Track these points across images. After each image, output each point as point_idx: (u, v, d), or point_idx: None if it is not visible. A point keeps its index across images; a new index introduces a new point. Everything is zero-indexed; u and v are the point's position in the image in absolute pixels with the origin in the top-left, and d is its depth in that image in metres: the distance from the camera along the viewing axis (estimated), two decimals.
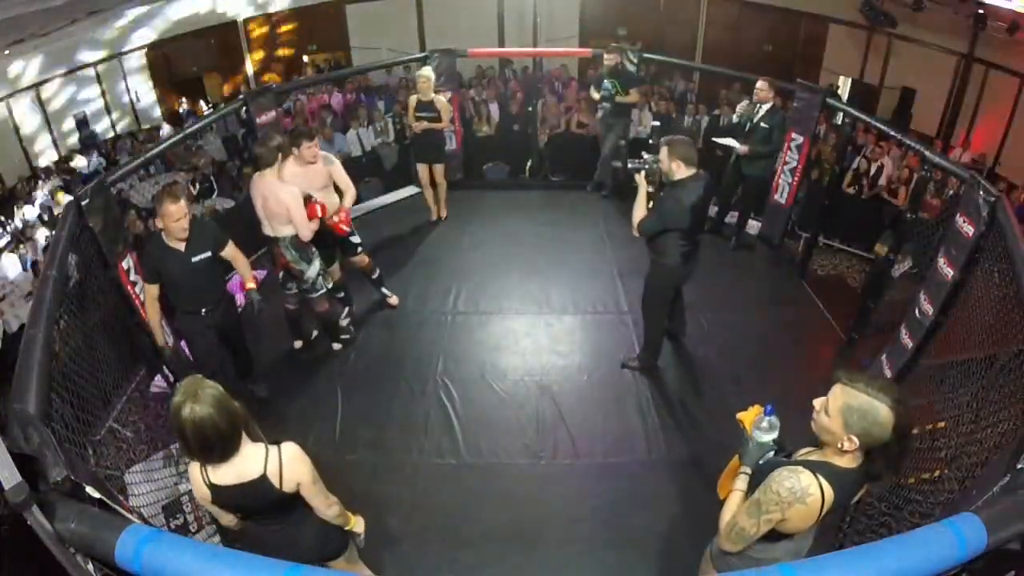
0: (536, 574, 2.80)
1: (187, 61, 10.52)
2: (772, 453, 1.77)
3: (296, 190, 3.48)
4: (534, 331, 4.27)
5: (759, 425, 1.76)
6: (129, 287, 3.20)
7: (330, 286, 3.92)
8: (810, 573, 1.24)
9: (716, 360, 4.02)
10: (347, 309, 4.42)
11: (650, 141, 4.04)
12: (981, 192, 2.97)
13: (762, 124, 4.77)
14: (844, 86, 9.93)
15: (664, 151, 3.15)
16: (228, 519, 1.95)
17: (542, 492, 3.18)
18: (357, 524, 2.15)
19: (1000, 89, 8.18)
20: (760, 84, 4.77)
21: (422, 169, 5.37)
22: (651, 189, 3.30)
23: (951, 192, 5.93)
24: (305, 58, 11.16)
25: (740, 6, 10.24)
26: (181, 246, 3.06)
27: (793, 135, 4.94)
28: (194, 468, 1.78)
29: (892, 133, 4.35)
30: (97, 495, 1.42)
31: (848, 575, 1.23)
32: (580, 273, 4.84)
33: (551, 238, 5.37)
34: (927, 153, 3.69)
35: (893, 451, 1.49)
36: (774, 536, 1.65)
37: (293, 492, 1.83)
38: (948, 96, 8.85)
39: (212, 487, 1.76)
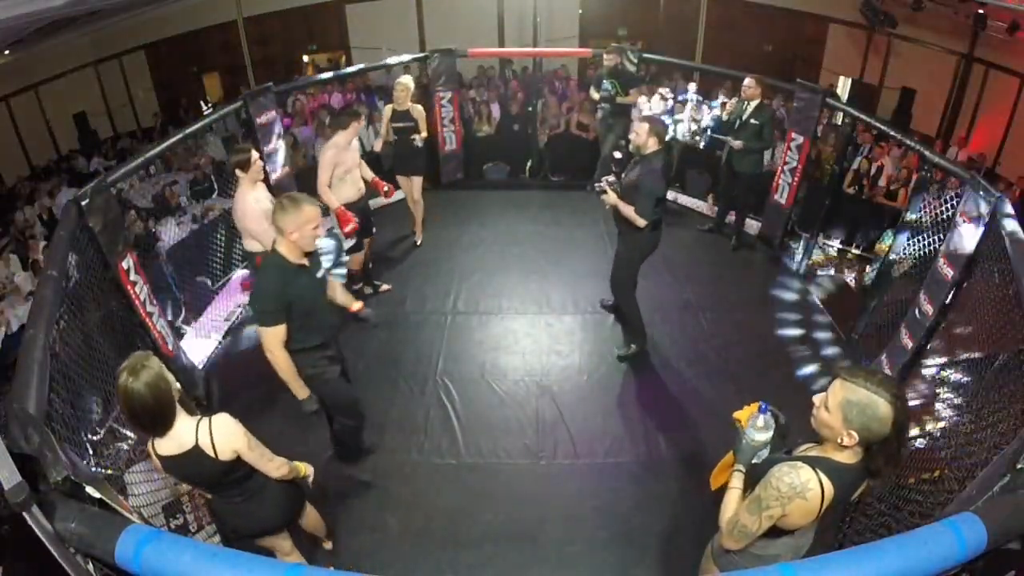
0: (536, 574, 2.80)
1: (187, 61, 10.53)
2: (766, 452, 1.77)
3: (262, 205, 3.36)
4: (534, 331, 4.27)
5: (754, 423, 1.77)
6: (129, 287, 3.20)
7: None
8: (810, 573, 1.24)
9: (715, 360, 4.02)
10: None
11: (616, 155, 4.12)
12: (981, 192, 2.97)
13: (752, 121, 4.83)
14: (843, 86, 9.93)
15: (644, 127, 3.41)
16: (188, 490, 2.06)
17: (542, 492, 3.18)
18: (307, 471, 2.32)
19: (1000, 89, 8.18)
20: (747, 82, 4.83)
21: (402, 181, 5.14)
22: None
23: (951, 192, 5.92)
24: (305, 58, 11.16)
25: (740, 6, 10.24)
26: (306, 260, 2.50)
27: (793, 135, 4.94)
28: (150, 443, 1.93)
29: (892, 133, 4.35)
30: (97, 495, 1.42)
31: (848, 575, 1.23)
32: (580, 273, 4.84)
33: (551, 238, 5.37)
34: (927, 153, 3.70)
35: (892, 446, 1.49)
36: (775, 532, 1.65)
37: (232, 460, 1.95)
38: (948, 96, 8.86)
39: (160, 458, 1.91)
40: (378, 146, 5.10)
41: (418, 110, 4.88)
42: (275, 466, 2.09)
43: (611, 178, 3.64)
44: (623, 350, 4.02)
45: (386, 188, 4.30)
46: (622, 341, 4.12)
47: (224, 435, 1.92)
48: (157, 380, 1.79)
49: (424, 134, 4.94)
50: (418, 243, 5.36)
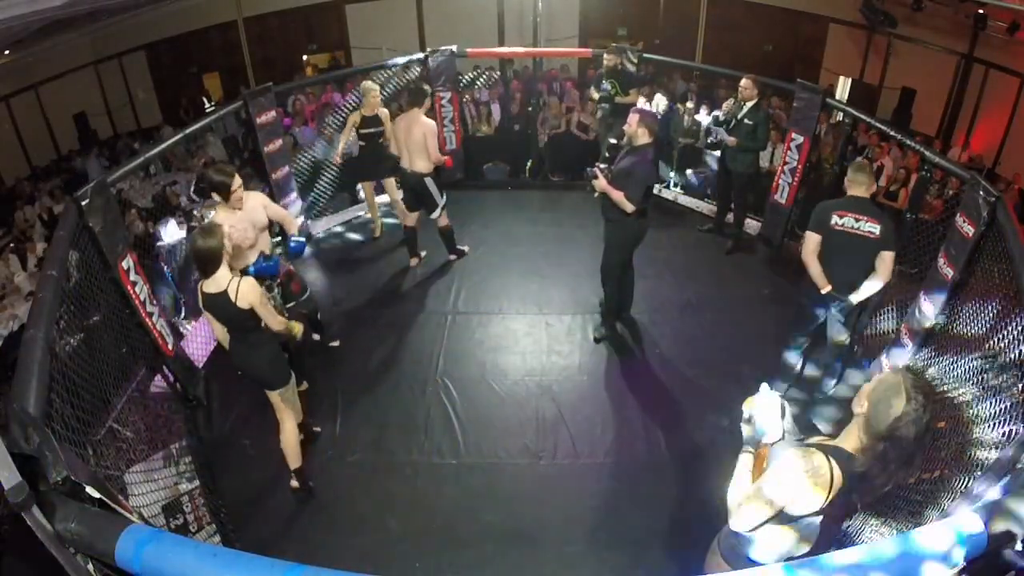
0: (536, 574, 2.80)
1: (187, 61, 10.52)
2: (781, 428, 1.76)
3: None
4: (534, 331, 4.27)
5: (758, 402, 1.78)
6: (129, 287, 3.20)
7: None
8: (810, 573, 1.24)
9: (716, 360, 4.01)
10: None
11: (612, 140, 4.10)
12: (981, 192, 2.97)
13: (746, 121, 4.84)
14: (843, 87, 9.92)
15: (635, 118, 3.54)
16: (218, 328, 2.87)
17: (542, 492, 3.18)
18: (297, 329, 2.97)
19: (1000, 89, 8.18)
20: (744, 82, 4.84)
21: (367, 187, 5.22)
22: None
23: (951, 192, 5.92)
24: (305, 58, 11.15)
25: (740, 6, 10.24)
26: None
27: (793, 135, 4.93)
28: (201, 282, 2.72)
29: (892, 133, 4.35)
30: (97, 495, 1.42)
31: (848, 575, 1.23)
32: (580, 273, 4.84)
33: (551, 238, 5.37)
34: (927, 153, 3.70)
35: (902, 448, 1.50)
36: (782, 519, 1.65)
37: (247, 308, 2.68)
38: (948, 96, 8.85)
39: (203, 294, 2.70)
40: (337, 157, 5.04)
41: (385, 113, 4.88)
42: (276, 322, 2.81)
43: (603, 164, 3.72)
44: (599, 332, 4.21)
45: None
46: (600, 324, 4.27)
47: (244, 291, 2.65)
48: (221, 239, 2.61)
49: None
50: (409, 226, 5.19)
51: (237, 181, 3.10)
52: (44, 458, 1.38)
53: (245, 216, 3.19)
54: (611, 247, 3.89)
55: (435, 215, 4.68)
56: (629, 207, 3.54)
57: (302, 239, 3.44)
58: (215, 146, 8.32)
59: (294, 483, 3.15)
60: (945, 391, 3.07)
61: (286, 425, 3.05)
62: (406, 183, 4.62)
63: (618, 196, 3.55)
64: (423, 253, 5.01)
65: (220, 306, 2.70)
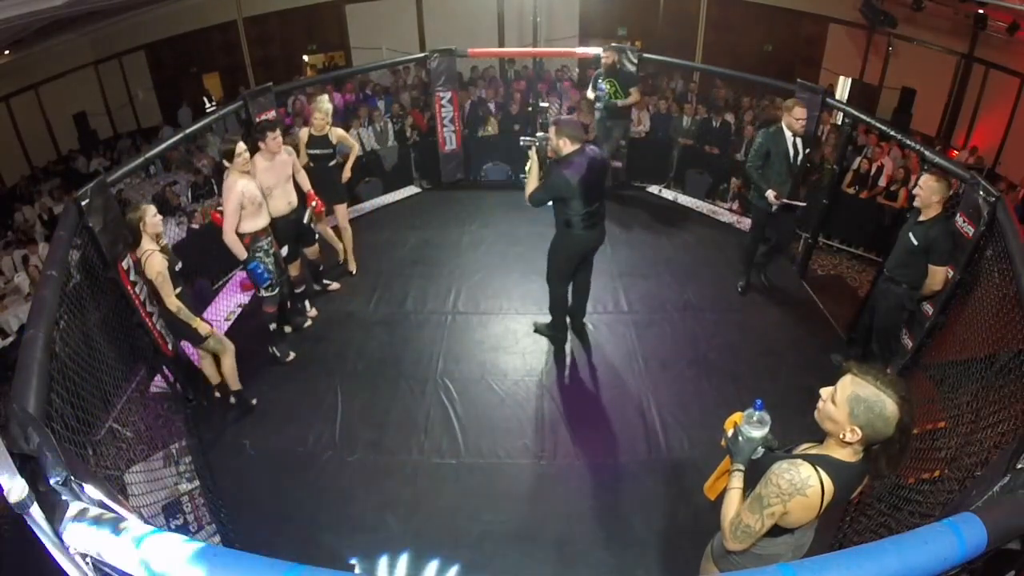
0: (536, 574, 2.80)
1: (187, 61, 10.52)
2: (762, 451, 1.76)
3: (232, 193, 3.53)
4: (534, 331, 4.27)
5: (749, 419, 1.77)
6: (129, 287, 3.20)
7: (272, 293, 3.84)
8: (810, 573, 1.24)
9: (716, 360, 4.02)
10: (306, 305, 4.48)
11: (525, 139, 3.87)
12: (981, 192, 2.97)
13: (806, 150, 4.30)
14: (843, 87, 9.92)
15: (552, 130, 3.40)
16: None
17: (542, 492, 3.18)
18: (200, 327, 3.40)
19: (1000, 89, 8.18)
20: (799, 112, 4.10)
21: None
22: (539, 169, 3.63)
23: (951, 192, 5.91)
24: (305, 58, 11.15)
25: (740, 6, 10.23)
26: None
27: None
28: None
29: (892, 133, 4.35)
30: (97, 495, 1.42)
31: (848, 575, 1.23)
32: None
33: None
34: (927, 153, 3.69)
35: (895, 447, 1.50)
36: (776, 531, 1.65)
37: (151, 279, 3.18)
38: (948, 96, 8.85)
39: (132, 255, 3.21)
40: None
41: (338, 134, 4.50)
42: (171, 302, 3.26)
43: (541, 134, 3.60)
44: (539, 324, 4.19)
45: (314, 203, 4.15)
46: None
47: (149, 262, 3.16)
48: (142, 216, 3.16)
49: (352, 155, 4.66)
50: (353, 272, 4.95)
51: (242, 145, 3.55)
52: (44, 458, 1.38)
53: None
54: (551, 255, 3.84)
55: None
56: (526, 199, 3.54)
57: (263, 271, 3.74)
58: (215, 146, 8.32)
59: (232, 400, 3.65)
60: (944, 391, 3.08)
61: (224, 360, 3.55)
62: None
63: (528, 188, 3.53)
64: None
65: (138, 271, 3.21)
